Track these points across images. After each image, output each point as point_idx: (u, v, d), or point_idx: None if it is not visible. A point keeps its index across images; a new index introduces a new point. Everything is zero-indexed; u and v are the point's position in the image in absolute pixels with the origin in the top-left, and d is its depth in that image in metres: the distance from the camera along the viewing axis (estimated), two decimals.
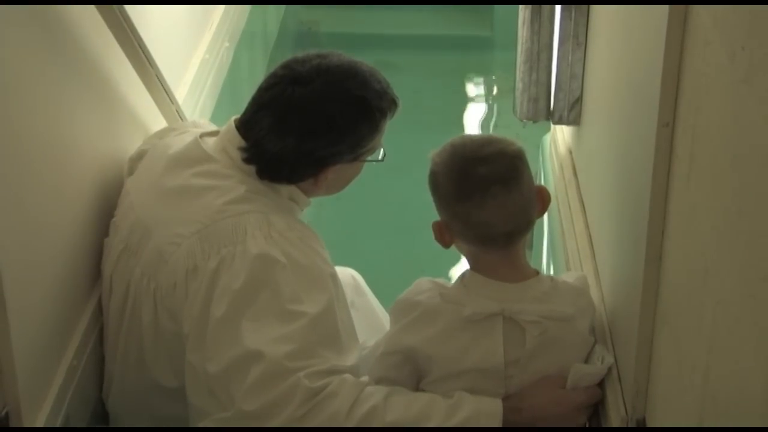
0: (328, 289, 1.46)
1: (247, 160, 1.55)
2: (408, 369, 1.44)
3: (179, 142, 1.65)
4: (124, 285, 1.57)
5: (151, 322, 1.53)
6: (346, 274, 1.89)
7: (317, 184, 1.59)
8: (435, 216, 1.49)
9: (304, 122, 1.52)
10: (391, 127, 1.62)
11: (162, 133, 1.83)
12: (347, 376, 1.38)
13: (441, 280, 1.48)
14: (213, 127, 1.75)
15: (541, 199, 1.47)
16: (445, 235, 1.46)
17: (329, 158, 1.55)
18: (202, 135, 1.63)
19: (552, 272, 2.38)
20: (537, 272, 1.46)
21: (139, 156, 1.75)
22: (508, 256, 1.44)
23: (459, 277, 1.48)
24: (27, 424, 1.41)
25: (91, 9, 1.75)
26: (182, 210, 1.53)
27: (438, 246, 1.52)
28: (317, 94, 1.53)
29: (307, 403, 1.33)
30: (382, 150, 1.63)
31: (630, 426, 1.36)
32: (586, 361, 1.47)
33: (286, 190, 1.58)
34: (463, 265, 2.61)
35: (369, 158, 1.61)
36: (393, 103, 1.59)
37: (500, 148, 1.43)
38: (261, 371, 1.35)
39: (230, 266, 1.43)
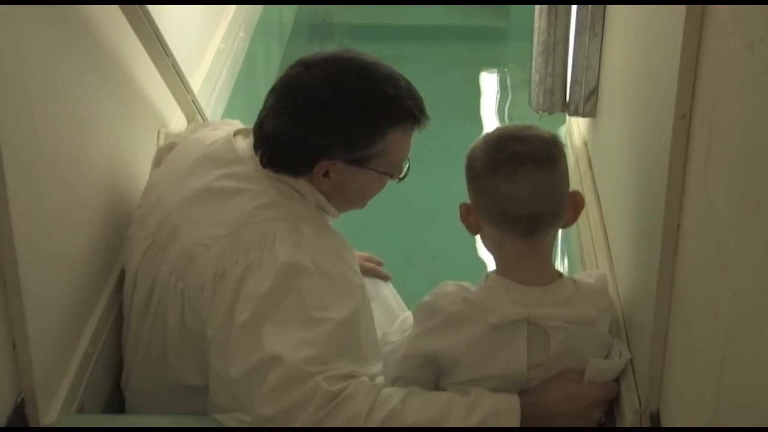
0: (355, 298, 1.44)
1: (255, 148, 1.53)
2: (427, 370, 1.44)
3: (211, 138, 1.63)
4: (150, 280, 1.56)
5: (178, 321, 1.52)
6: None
7: (318, 181, 1.52)
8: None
9: (296, 103, 1.50)
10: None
11: (194, 129, 1.81)
12: (364, 378, 1.37)
13: (465, 284, 1.47)
14: (242, 126, 1.72)
15: (574, 203, 1.45)
16: (471, 217, 1.45)
17: (320, 149, 1.49)
18: (236, 133, 1.61)
19: (566, 264, 2.38)
20: (560, 274, 1.45)
21: (168, 148, 1.73)
22: (531, 251, 1.42)
23: (481, 280, 1.46)
24: (42, 411, 1.42)
25: None
26: (212, 211, 1.51)
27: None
28: (316, 78, 1.50)
29: (326, 406, 1.32)
30: (407, 166, 1.58)
31: (644, 418, 1.35)
32: (605, 357, 1.47)
33: (313, 197, 1.54)
34: (476, 258, 2.62)
35: (382, 169, 1.54)
36: (408, 114, 1.52)
37: (539, 133, 1.43)
38: (279, 375, 1.34)
39: (257, 271, 1.42)
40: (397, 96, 1.50)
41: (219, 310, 1.43)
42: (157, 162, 1.73)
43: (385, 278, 1.89)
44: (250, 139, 1.57)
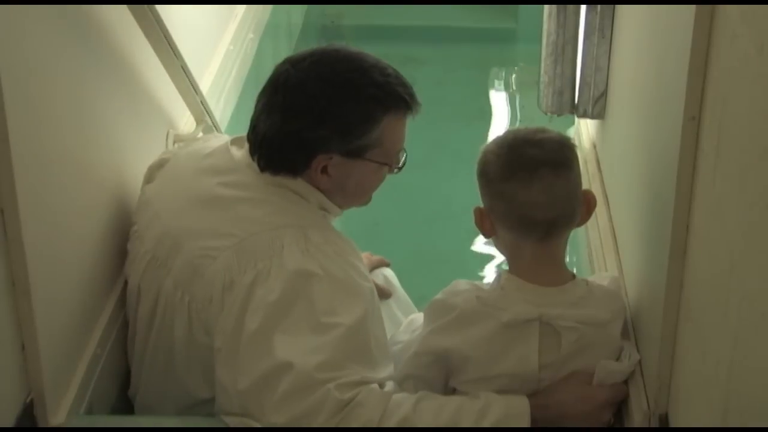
0: (364, 302, 1.43)
1: (251, 153, 1.53)
2: (438, 368, 1.44)
3: (207, 149, 1.62)
4: (153, 295, 1.56)
5: (185, 335, 1.51)
6: (378, 274, 1.88)
7: (317, 179, 1.51)
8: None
9: (287, 99, 1.49)
10: (412, 120, 1.58)
11: (186, 144, 1.80)
12: (374, 386, 1.37)
13: (477, 282, 1.47)
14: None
15: (587, 203, 1.45)
16: (485, 221, 1.45)
17: (316, 143, 1.48)
18: (231, 143, 1.60)
19: (575, 266, 2.38)
20: (573, 276, 1.45)
21: (160, 164, 1.71)
22: (547, 254, 1.42)
23: (495, 279, 1.46)
24: (51, 412, 1.42)
25: None
26: (214, 222, 1.50)
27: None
28: (303, 72, 1.49)
29: (337, 415, 1.32)
30: (404, 156, 1.57)
31: (652, 420, 1.35)
32: (615, 359, 1.46)
33: (314, 197, 1.54)
34: (484, 259, 2.61)
35: (380, 159, 1.52)
36: (400, 100, 1.50)
37: (553, 136, 1.43)
38: (290, 383, 1.33)
39: (266, 280, 1.41)
40: (387, 83, 1.50)
41: (228, 321, 1.42)
42: (149, 178, 1.71)
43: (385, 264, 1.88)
44: (246, 148, 1.56)
